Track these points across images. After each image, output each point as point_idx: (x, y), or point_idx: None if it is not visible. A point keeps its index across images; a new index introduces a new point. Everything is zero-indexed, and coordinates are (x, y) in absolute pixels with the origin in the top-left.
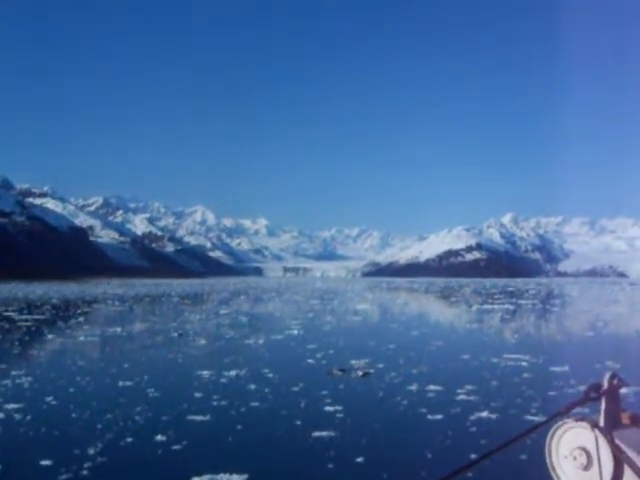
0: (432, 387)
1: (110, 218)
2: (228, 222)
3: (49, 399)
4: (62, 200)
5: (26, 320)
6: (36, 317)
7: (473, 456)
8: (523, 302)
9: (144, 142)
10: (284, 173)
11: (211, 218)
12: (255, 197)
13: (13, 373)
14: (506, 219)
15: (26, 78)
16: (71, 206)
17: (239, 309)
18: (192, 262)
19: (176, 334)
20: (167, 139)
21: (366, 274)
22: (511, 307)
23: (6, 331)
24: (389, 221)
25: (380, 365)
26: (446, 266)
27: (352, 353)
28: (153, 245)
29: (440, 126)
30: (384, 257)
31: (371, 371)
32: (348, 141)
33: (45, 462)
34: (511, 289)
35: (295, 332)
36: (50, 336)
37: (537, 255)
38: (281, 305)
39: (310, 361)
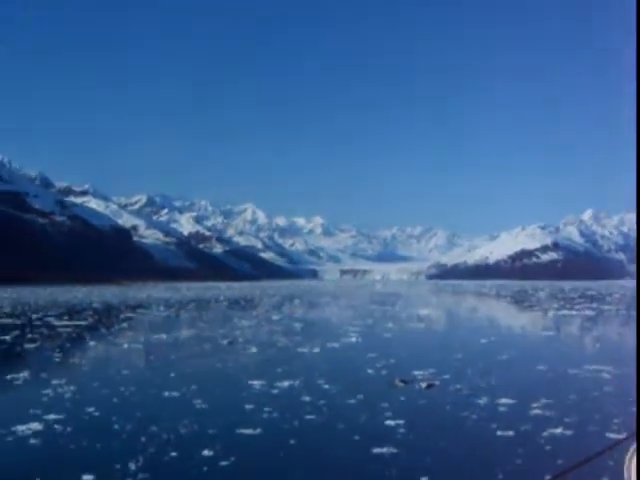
0: (503, 401)
1: (154, 218)
2: (280, 221)
3: (91, 410)
4: (104, 199)
5: (66, 326)
6: (77, 323)
7: (547, 477)
8: (606, 307)
9: (190, 137)
10: (340, 169)
11: (262, 217)
12: (310, 194)
13: (54, 382)
14: (586, 216)
15: (63, 74)
16: (113, 205)
17: (293, 314)
18: (242, 264)
19: (225, 341)
20: (214, 134)
21: (430, 276)
22: (592, 313)
23: (46, 337)
24: (455, 219)
25: (446, 376)
26: (519, 268)
27: (415, 363)
28: (200, 246)
29: (511, 116)
30: (450, 258)
31: (436, 383)
32: (409, 135)
33: (86, 476)
34: (592, 293)
35: (353, 340)
36: (92, 343)
37: (621, 255)
38: (338, 310)
39: (370, 371)
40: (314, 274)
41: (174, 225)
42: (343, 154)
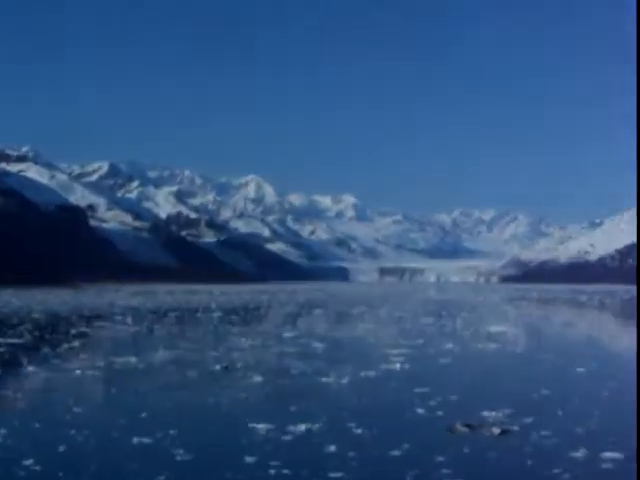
0: (608, 455)
1: (120, 193)
2: (296, 200)
3: (28, 462)
4: (49, 167)
5: None
6: (9, 341)
7: None
8: None
9: (170, 86)
10: (379, 129)
11: (270, 194)
12: (337, 164)
13: None
14: None
15: None
16: (62, 175)
17: (312, 330)
18: (242, 259)
19: (219, 367)
20: (203, 80)
21: (506, 279)
22: None
23: None
24: (542, 200)
25: (527, 419)
26: (632, 268)
27: (484, 400)
28: (184, 233)
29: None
30: (535, 253)
31: (513, 428)
32: (473, 85)
33: None
34: None
35: (397, 366)
36: (30, 369)
37: None
38: (375, 325)
39: (420, 411)
40: (343, 274)
41: (147, 204)
42: (382, 109)
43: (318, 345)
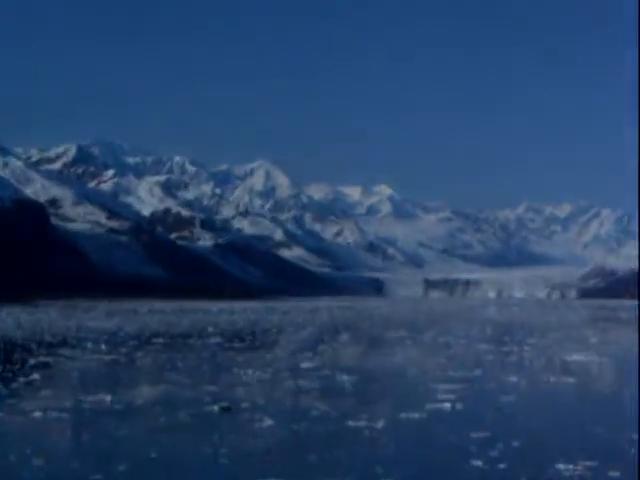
0: None
1: (91, 184)
2: (317, 192)
3: None
4: (1, 151)
5: None
6: None
7: None
8: None
9: (155, 48)
10: (424, 103)
11: (284, 184)
12: (368, 145)
13: None
14: None
15: None
16: (17, 162)
17: (337, 360)
18: (247, 268)
19: (217, 407)
20: (196, 40)
21: (587, 293)
22: None
23: None
24: (632, 191)
25: (613, 474)
26: None
27: (559, 449)
28: (174, 236)
29: None
30: (624, 260)
31: None
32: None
33: None
34: None
35: (447, 406)
36: None
37: None
38: (419, 353)
39: (477, 463)
40: (377, 287)
41: (127, 198)
42: (425, 79)
43: (345, 379)
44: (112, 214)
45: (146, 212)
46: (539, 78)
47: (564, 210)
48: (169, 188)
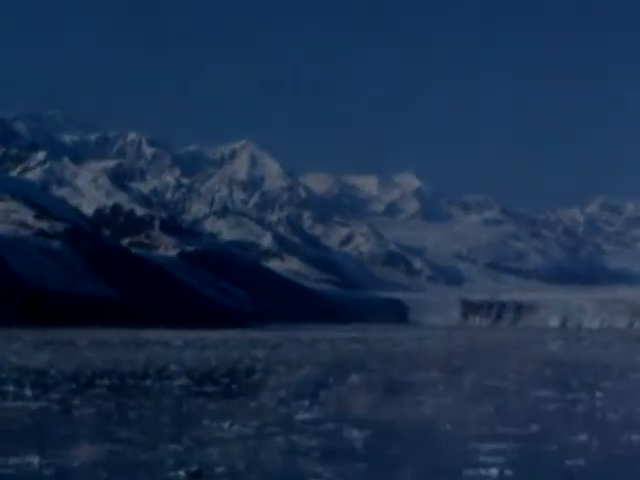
0: None
1: (14, 172)
2: (319, 184)
3: None
4: None
5: None
6: None
7: None
8: None
9: None
10: (457, 67)
11: (274, 174)
12: (386, 122)
13: None
14: None
15: None
16: None
17: (345, 410)
18: (224, 285)
19: (183, 473)
20: None
21: None
22: None
23: None
24: None
25: None
26: None
27: None
28: (125, 242)
29: None
30: None
31: None
32: None
33: None
34: None
35: (493, 473)
36: None
37: None
38: (455, 401)
39: None
40: (399, 312)
41: (61, 191)
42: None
43: (355, 435)
44: (41, 212)
45: (88, 210)
46: None
47: None
48: (119, 177)
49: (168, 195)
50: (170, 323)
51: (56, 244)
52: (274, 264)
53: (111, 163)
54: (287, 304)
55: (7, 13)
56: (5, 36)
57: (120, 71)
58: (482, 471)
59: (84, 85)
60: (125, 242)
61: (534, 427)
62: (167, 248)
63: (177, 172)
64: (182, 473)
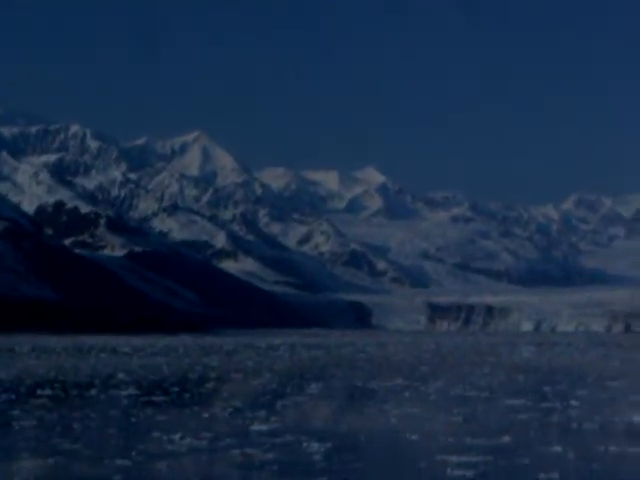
0: None
1: None
2: (275, 179)
3: None
4: None
5: None
6: None
7: None
8: None
9: None
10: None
11: (228, 166)
12: (349, 113)
13: None
14: None
15: None
16: None
17: (304, 420)
18: (175, 287)
19: None
20: None
21: None
22: None
23: None
24: None
25: None
26: None
27: None
28: (68, 242)
29: None
30: None
31: None
32: None
33: None
34: None
35: None
36: None
37: None
38: (422, 410)
39: None
40: (361, 316)
41: None
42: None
43: (315, 447)
44: None
45: (29, 207)
46: None
47: (630, 205)
48: (62, 172)
49: (114, 191)
50: (117, 328)
51: None
52: (228, 265)
53: (53, 157)
54: (242, 308)
55: None
56: None
57: (61, 58)
58: None
59: (23, 74)
60: (68, 242)
61: (505, 438)
62: (113, 248)
63: (124, 167)
64: None
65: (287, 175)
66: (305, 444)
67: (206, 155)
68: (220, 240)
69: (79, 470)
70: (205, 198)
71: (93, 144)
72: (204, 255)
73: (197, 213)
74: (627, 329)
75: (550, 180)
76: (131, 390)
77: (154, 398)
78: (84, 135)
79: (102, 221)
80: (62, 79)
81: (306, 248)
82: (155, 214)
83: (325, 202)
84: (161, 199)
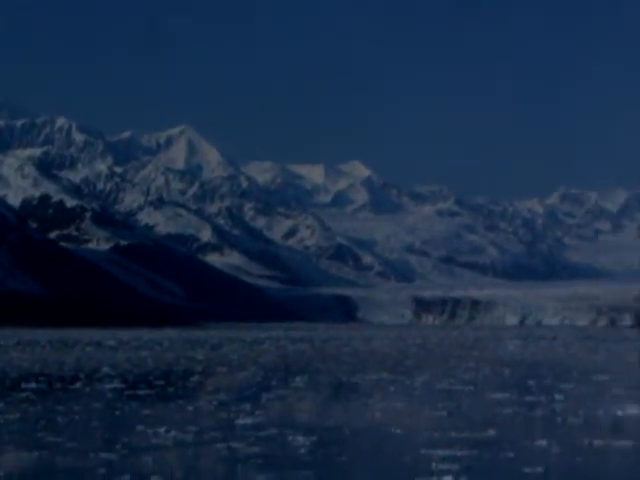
0: None
1: None
2: (261, 173)
3: None
4: None
5: None
6: None
7: None
8: None
9: None
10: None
11: (214, 160)
12: (335, 108)
13: None
14: None
15: None
16: None
17: (289, 414)
18: (161, 281)
19: None
20: None
21: None
22: None
23: None
24: None
25: None
26: None
27: None
28: (53, 235)
29: None
30: None
31: None
32: None
33: None
34: None
35: None
36: None
37: None
38: (407, 404)
39: None
40: (347, 310)
41: None
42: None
43: (300, 441)
44: None
45: (14, 201)
46: None
47: (616, 199)
48: (48, 166)
49: (100, 185)
50: (102, 322)
51: None
52: (213, 258)
53: (38, 151)
54: (227, 301)
55: None
56: None
57: (48, 51)
58: (435, 479)
59: (9, 66)
60: (54, 235)
61: (490, 432)
62: (99, 242)
63: (110, 160)
64: None
65: (273, 169)
66: (290, 437)
67: (192, 149)
68: (206, 234)
69: (64, 463)
70: (191, 192)
71: (79, 137)
72: (190, 249)
73: (183, 207)
74: (612, 323)
75: (535, 174)
76: (116, 384)
77: (139, 392)
78: (70, 128)
79: (88, 214)
80: (48, 72)
81: (292, 242)
82: (141, 208)
83: (311, 196)
84: (147, 193)
